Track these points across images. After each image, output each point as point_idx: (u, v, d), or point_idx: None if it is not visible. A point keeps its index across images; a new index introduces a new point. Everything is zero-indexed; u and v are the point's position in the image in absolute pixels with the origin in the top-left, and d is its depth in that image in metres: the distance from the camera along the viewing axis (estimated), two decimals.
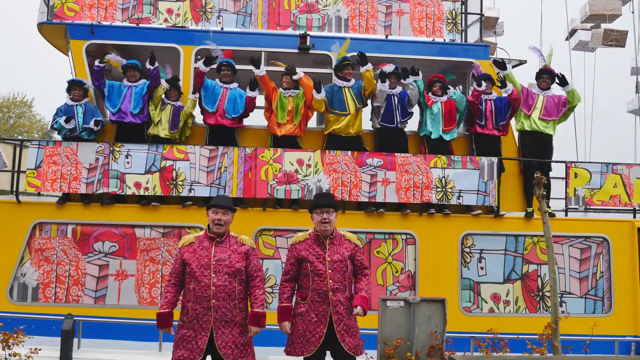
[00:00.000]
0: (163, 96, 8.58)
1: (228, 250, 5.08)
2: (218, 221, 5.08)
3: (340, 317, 5.09)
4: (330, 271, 5.12)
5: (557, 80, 9.07)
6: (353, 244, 5.34)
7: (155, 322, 5.10)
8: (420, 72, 8.94)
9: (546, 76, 9.18)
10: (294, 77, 8.64)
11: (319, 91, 8.57)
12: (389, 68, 8.91)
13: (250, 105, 8.68)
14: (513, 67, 10.73)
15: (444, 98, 8.92)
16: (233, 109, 8.58)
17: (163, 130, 8.52)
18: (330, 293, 5.09)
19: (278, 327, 7.74)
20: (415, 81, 8.84)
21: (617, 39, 16.20)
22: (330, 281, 5.10)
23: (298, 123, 8.62)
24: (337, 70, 8.84)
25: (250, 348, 5.12)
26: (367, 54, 8.97)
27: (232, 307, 4.99)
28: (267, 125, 8.75)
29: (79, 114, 8.49)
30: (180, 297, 5.17)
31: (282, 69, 8.74)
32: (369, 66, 8.63)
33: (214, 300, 4.91)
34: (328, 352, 5.29)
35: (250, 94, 8.61)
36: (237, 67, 8.87)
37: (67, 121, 8.35)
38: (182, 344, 4.96)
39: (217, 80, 8.73)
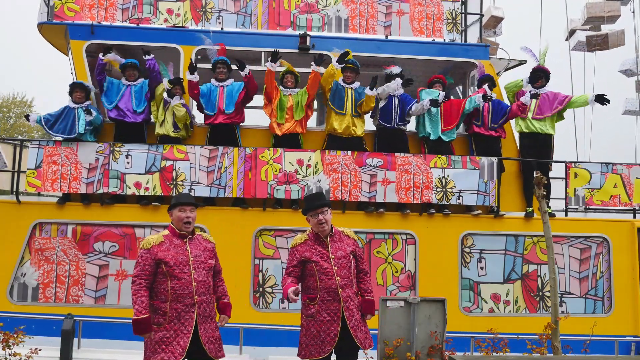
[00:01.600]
0: (165, 96, 8.57)
1: (200, 246, 5.09)
2: (187, 219, 5.02)
3: (351, 313, 5.11)
4: (336, 268, 5.12)
5: (599, 94, 9.00)
6: (352, 239, 5.38)
7: (133, 328, 4.86)
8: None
9: (541, 75, 9.21)
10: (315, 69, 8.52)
11: (339, 62, 8.49)
12: (396, 69, 8.88)
13: (251, 83, 8.48)
14: (513, 67, 10.76)
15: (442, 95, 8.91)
16: (227, 104, 8.56)
17: (170, 130, 8.56)
18: (340, 290, 5.09)
19: (278, 327, 7.81)
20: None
21: (599, 44, 16.30)
22: (338, 278, 5.10)
23: (299, 120, 8.61)
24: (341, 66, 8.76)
25: (221, 342, 5.14)
26: (367, 54, 8.98)
27: (210, 301, 5.02)
28: (269, 125, 8.75)
29: (81, 116, 8.49)
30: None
31: (285, 67, 8.72)
32: (373, 92, 8.51)
33: (196, 296, 4.88)
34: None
35: (243, 73, 8.46)
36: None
37: (27, 118, 8.65)
38: (162, 346, 4.79)
39: (213, 79, 8.72)
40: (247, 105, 8.93)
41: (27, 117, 8.78)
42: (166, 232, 5.10)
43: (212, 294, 5.09)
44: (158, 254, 4.91)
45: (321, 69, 8.59)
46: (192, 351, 4.89)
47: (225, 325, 5.26)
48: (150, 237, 5.07)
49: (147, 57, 8.54)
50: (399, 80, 8.61)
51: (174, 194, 8.24)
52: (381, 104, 8.82)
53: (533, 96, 8.79)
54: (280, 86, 8.68)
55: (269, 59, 8.51)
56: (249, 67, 8.66)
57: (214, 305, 5.09)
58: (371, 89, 8.52)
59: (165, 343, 4.81)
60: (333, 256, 5.16)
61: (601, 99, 8.99)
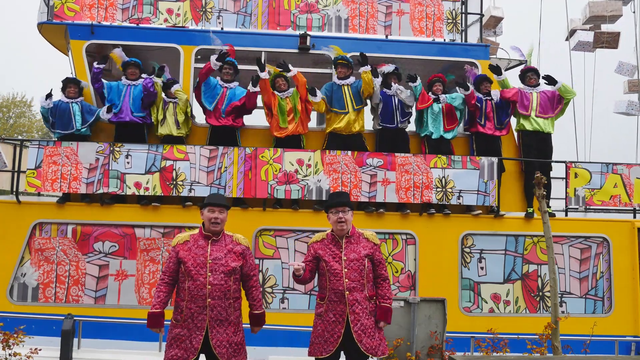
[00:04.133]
0: (164, 96, 8.58)
1: (224, 249, 5.04)
2: (215, 220, 5.01)
3: (357, 317, 5.03)
4: (346, 270, 5.06)
5: (545, 82, 9.14)
6: (372, 242, 5.24)
7: (146, 321, 5.02)
8: (418, 78, 8.91)
9: (531, 74, 9.28)
10: (288, 75, 8.59)
11: (313, 94, 8.55)
12: (388, 68, 8.91)
13: (251, 100, 8.56)
14: (514, 66, 10.77)
15: (444, 96, 8.93)
16: (224, 110, 8.56)
17: (173, 129, 8.56)
18: (347, 292, 5.03)
19: (278, 327, 7.83)
20: (415, 87, 8.85)
21: (608, 41, 16.24)
22: (347, 280, 5.04)
23: (299, 121, 8.61)
24: (334, 67, 8.85)
25: (243, 347, 5.08)
26: (367, 54, 8.97)
27: (227, 306, 4.95)
28: (270, 129, 8.73)
29: (76, 111, 8.50)
30: (173, 296, 5.12)
31: (273, 70, 8.70)
32: (368, 67, 8.59)
33: (209, 299, 4.87)
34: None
35: (252, 89, 8.51)
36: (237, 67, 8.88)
37: (47, 97, 8.45)
38: (176, 343, 4.90)
39: (219, 78, 8.73)
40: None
41: (49, 95, 8.47)
42: (196, 231, 5.15)
43: (232, 299, 4.98)
44: (179, 253, 5.00)
45: (294, 72, 8.56)
46: (207, 353, 4.96)
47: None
48: (179, 235, 5.16)
49: (145, 76, 8.56)
50: (376, 80, 8.66)
51: (174, 194, 8.26)
52: (379, 108, 8.82)
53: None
54: (274, 91, 8.67)
55: (258, 69, 8.47)
56: (248, 67, 8.67)
57: (233, 310, 4.99)
58: (362, 65, 8.53)
59: (180, 340, 4.90)
60: (345, 258, 5.10)
61: (548, 79, 9.08)
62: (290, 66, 8.60)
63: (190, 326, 4.89)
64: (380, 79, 8.73)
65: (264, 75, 8.46)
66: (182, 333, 4.90)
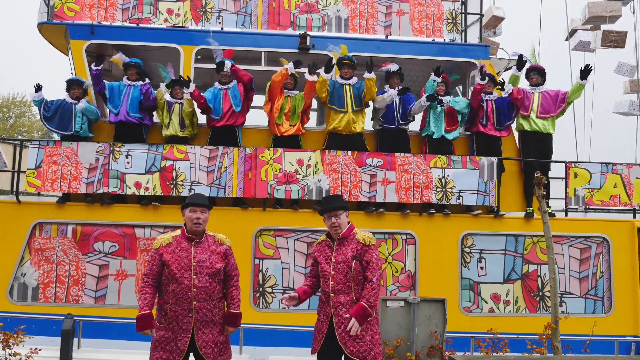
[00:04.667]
0: (168, 97, 8.56)
1: (207, 250, 5.01)
2: (197, 220, 4.99)
3: (340, 320, 4.98)
4: (333, 272, 5.04)
5: (581, 69, 8.93)
6: (361, 244, 5.08)
7: (135, 324, 4.89)
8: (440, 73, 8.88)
9: (533, 73, 9.24)
10: (310, 79, 8.53)
11: (327, 71, 8.50)
12: (393, 67, 8.90)
13: (241, 75, 8.52)
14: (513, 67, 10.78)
15: (447, 99, 8.93)
16: (236, 104, 8.57)
17: (177, 130, 8.56)
18: (332, 294, 5.01)
19: (278, 327, 7.83)
20: (434, 81, 8.82)
21: (616, 40, 16.21)
22: (332, 282, 5.02)
23: (295, 124, 8.61)
24: (338, 67, 8.84)
25: (228, 345, 5.10)
26: (367, 54, 8.97)
27: (212, 307, 4.95)
28: (268, 123, 8.74)
29: (77, 113, 8.50)
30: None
31: (288, 65, 8.69)
32: (372, 75, 8.52)
33: (195, 302, 4.86)
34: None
35: (225, 69, 8.49)
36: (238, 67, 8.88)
37: (37, 90, 8.52)
38: (161, 345, 4.88)
39: (216, 82, 8.73)
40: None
41: (38, 88, 8.55)
42: (178, 232, 5.10)
43: (216, 300, 4.99)
44: (163, 255, 4.94)
45: (315, 77, 8.55)
46: (194, 353, 4.94)
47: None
48: (161, 236, 5.10)
49: (142, 83, 8.59)
50: (392, 91, 8.66)
51: (174, 194, 8.26)
52: (381, 111, 8.83)
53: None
54: (283, 88, 8.67)
55: (309, 67, 8.48)
56: (248, 67, 8.68)
57: (218, 310, 5.00)
58: (369, 72, 8.49)
59: (165, 342, 4.88)
60: (334, 260, 5.08)
61: (585, 72, 8.90)
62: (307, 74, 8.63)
63: (175, 329, 4.87)
64: (395, 91, 8.67)
65: (290, 67, 8.47)
66: (166, 335, 4.88)
